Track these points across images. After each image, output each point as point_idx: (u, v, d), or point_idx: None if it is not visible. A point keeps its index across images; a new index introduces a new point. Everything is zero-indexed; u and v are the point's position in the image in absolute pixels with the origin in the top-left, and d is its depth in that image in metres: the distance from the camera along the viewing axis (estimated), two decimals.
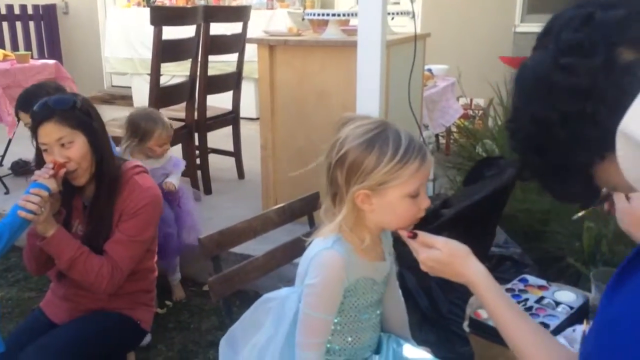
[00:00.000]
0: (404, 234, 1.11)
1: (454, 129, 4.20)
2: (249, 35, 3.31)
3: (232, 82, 3.46)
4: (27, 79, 3.43)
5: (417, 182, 1.10)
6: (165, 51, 2.82)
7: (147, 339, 2.14)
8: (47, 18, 6.21)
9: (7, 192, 3.40)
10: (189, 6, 3.05)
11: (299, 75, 2.74)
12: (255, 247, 1.59)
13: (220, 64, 3.72)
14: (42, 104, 1.61)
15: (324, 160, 1.17)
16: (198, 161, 3.33)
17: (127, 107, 5.24)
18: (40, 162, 1.67)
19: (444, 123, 3.80)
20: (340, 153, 1.12)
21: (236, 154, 3.59)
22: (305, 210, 1.56)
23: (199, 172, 3.31)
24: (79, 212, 1.75)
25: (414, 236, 1.10)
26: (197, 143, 3.31)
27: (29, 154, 3.83)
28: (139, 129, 2.37)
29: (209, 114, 3.35)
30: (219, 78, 3.37)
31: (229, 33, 3.32)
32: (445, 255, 1.05)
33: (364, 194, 1.10)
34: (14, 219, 1.50)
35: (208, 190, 3.34)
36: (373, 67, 2.29)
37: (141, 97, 5.08)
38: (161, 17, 2.75)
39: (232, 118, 3.55)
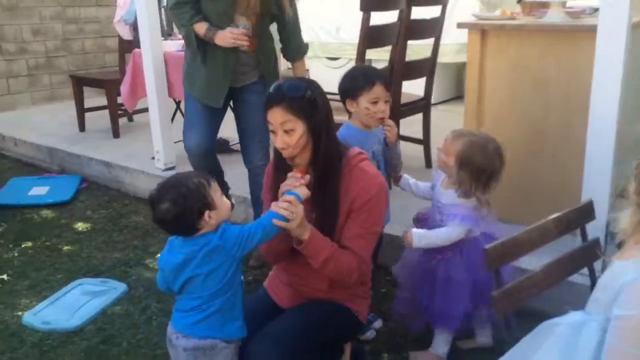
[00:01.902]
0: None
1: None
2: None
3: (426, 68, 3.37)
4: None
5: None
6: (370, 37, 2.80)
7: (372, 333, 2.15)
8: None
9: None
10: None
11: (512, 62, 2.57)
12: (523, 259, 1.47)
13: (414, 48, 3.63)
14: (276, 86, 1.67)
15: (635, 170, 1.02)
16: None
17: None
18: (279, 164, 1.74)
19: None
20: None
21: (425, 142, 3.51)
22: (579, 221, 1.42)
23: None
24: (307, 200, 1.79)
25: None
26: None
27: (227, 133, 4.11)
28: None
29: (402, 100, 3.30)
30: (414, 64, 3.29)
31: (427, 17, 3.21)
32: None
33: None
34: (268, 224, 1.57)
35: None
36: (615, 53, 2.05)
37: (319, 80, 5.17)
38: (370, 2, 2.73)
39: (423, 105, 3.46)
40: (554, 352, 1.06)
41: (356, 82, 2.03)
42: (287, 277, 1.87)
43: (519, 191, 2.67)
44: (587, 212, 1.44)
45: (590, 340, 1.02)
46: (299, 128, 1.64)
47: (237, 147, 3.96)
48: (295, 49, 2.65)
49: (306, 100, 1.64)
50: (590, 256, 1.44)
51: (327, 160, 1.70)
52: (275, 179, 1.76)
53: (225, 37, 2.42)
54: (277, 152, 1.72)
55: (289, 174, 1.67)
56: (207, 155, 2.74)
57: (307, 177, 1.65)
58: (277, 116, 1.64)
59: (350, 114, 2.12)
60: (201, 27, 2.47)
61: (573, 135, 2.46)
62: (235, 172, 3.59)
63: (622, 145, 2.24)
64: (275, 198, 1.69)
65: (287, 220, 1.57)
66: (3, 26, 5.24)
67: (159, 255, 2.94)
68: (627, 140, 2.59)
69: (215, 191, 1.58)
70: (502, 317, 1.21)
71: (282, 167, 1.74)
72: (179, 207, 1.52)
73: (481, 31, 2.58)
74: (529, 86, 2.55)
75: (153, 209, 1.57)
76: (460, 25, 2.68)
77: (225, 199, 1.62)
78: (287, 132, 1.64)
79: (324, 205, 1.72)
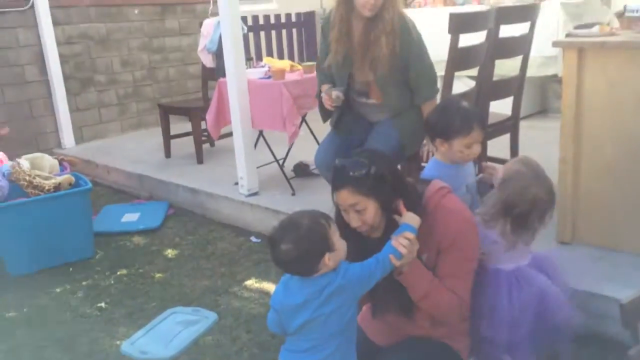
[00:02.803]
0: None
1: None
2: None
3: (514, 86, 3.23)
4: (313, 88, 3.66)
5: None
6: (459, 59, 2.72)
7: None
8: (308, 24, 6.68)
9: (293, 194, 3.68)
10: (484, 10, 2.88)
11: (613, 80, 2.41)
12: None
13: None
14: (340, 168, 1.62)
15: None
16: None
17: None
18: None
19: None
20: None
21: None
22: None
23: None
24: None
25: None
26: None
27: (307, 156, 4.14)
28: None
29: (490, 120, 3.17)
30: (502, 83, 3.17)
31: (516, 34, 3.09)
32: None
33: None
34: (387, 261, 1.55)
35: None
36: None
37: None
38: (459, 24, 2.66)
39: (511, 124, 3.32)
40: None
41: (453, 124, 1.93)
42: (386, 316, 1.82)
43: (622, 215, 2.50)
44: None
45: None
46: (371, 206, 1.59)
47: (317, 171, 4.00)
48: (420, 98, 2.70)
49: (372, 178, 1.58)
50: None
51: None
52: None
53: (323, 98, 2.80)
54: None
55: None
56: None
57: None
58: (345, 199, 1.60)
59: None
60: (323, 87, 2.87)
61: None
62: (317, 196, 3.59)
63: None
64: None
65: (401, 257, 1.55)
66: (95, 59, 5.57)
67: (247, 282, 2.98)
68: None
69: (334, 233, 1.55)
70: None
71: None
72: (300, 249, 1.51)
73: (579, 49, 2.44)
74: (632, 106, 2.38)
75: (273, 248, 1.56)
76: (555, 44, 2.55)
77: (342, 240, 1.58)
78: (359, 212, 1.60)
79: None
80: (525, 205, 1.71)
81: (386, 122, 2.76)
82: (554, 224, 2.67)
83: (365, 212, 1.59)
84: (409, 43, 2.58)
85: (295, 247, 1.51)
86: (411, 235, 1.55)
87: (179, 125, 5.01)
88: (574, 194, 2.61)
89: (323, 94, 2.80)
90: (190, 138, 4.67)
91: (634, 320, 1.11)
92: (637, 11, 2.33)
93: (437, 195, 1.68)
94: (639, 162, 2.41)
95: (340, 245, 1.56)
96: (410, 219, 1.60)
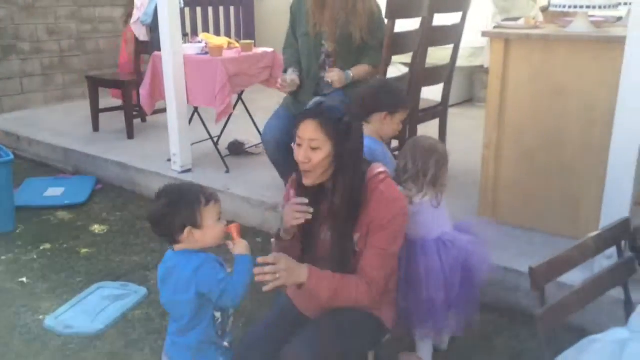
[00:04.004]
0: None
1: None
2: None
3: (445, 74, 3.36)
4: (250, 67, 3.65)
5: None
6: (395, 44, 2.81)
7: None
8: (245, 3, 6.60)
9: (227, 171, 3.66)
10: None
11: (535, 71, 2.57)
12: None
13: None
14: (317, 102, 1.66)
15: None
16: None
17: None
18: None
19: None
20: None
21: None
22: (617, 238, 1.42)
23: None
24: (326, 219, 1.78)
25: None
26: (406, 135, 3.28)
27: (243, 135, 4.13)
28: None
29: (421, 106, 3.30)
30: (434, 70, 3.29)
31: (448, 24, 3.21)
32: None
33: None
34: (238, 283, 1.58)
35: None
36: None
37: None
38: (396, 9, 2.74)
39: (440, 110, 3.46)
40: None
41: (399, 98, 2.11)
42: None
43: (537, 198, 2.68)
44: (624, 229, 1.44)
45: (635, 358, 1.02)
46: (325, 149, 1.61)
47: (252, 150, 4.00)
48: (371, 59, 2.90)
49: (342, 125, 1.61)
50: (626, 272, 1.44)
51: (351, 182, 1.67)
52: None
53: (278, 83, 2.95)
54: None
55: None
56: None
57: (237, 227, 1.64)
58: (308, 130, 1.61)
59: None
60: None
61: (592, 143, 2.47)
62: (252, 175, 3.60)
63: None
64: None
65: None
66: (19, 26, 5.26)
67: None
68: None
69: (209, 212, 1.56)
70: (547, 333, 1.22)
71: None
72: (164, 211, 1.54)
73: (505, 40, 2.58)
74: (551, 96, 2.55)
75: (151, 204, 1.63)
76: (485, 34, 2.68)
77: (220, 225, 1.60)
78: (312, 149, 1.62)
79: (341, 228, 1.71)
80: (433, 167, 1.92)
81: (337, 92, 2.86)
82: (475, 203, 2.84)
83: (318, 152, 1.61)
84: (378, 8, 2.83)
85: (161, 207, 1.54)
86: (270, 258, 1.57)
87: (109, 100, 4.83)
88: (495, 176, 2.77)
89: (280, 81, 2.92)
90: (120, 112, 4.54)
91: (541, 284, 1.22)
92: (560, 6, 2.49)
93: (376, 179, 1.71)
94: (555, 149, 2.60)
95: (212, 227, 1.57)
96: (243, 248, 1.62)
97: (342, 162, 1.64)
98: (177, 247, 1.60)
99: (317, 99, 1.70)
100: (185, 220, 1.53)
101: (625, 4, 2.60)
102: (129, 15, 4.68)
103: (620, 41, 2.14)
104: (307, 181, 1.68)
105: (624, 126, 2.16)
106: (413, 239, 1.92)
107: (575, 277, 1.43)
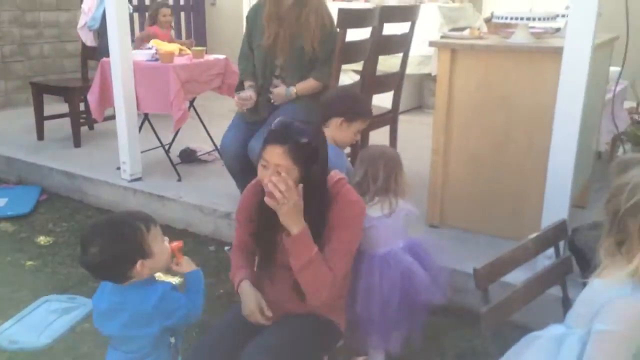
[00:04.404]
0: None
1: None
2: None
3: (395, 81, 3.44)
4: (201, 74, 3.63)
5: None
6: (346, 53, 2.85)
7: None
8: (197, 9, 6.55)
9: (179, 180, 3.62)
10: (370, 7, 3.04)
11: (479, 79, 2.67)
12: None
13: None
14: (282, 124, 1.62)
15: (606, 203, 1.10)
16: None
17: None
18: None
19: (612, 130, 3.55)
20: (631, 201, 1.05)
21: None
22: (555, 239, 1.50)
23: None
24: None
25: None
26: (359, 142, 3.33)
27: (195, 143, 4.08)
28: None
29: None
30: (384, 78, 3.36)
31: (399, 33, 3.29)
32: None
33: None
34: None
35: None
36: (580, 73, 2.17)
37: None
38: (347, 19, 2.78)
39: (391, 117, 3.53)
40: None
41: (360, 108, 2.12)
42: (270, 295, 1.87)
43: (482, 202, 2.78)
44: (561, 230, 1.52)
45: (571, 352, 1.09)
46: (292, 174, 1.59)
47: (205, 157, 3.97)
48: (317, 73, 2.91)
49: (310, 150, 1.59)
50: (563, 271, 1.52)
51: (318, 207, 1.68)
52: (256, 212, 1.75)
53: (235, 101, 2.91)
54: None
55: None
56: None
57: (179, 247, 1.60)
58: (274, 155, 1.57)
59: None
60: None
61: (534, 149, 2.58)
62: (204, 183, 3.57)
63: (578, 159, 2.36)
64: (250, 219, 1.71)
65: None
66: None
67: None
68: (585, 154, 2.73)
69: (154, 237, 1.47)
70: (492, 331, 1.27)
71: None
72: (106, 254, 1.39)
73: (451, 50, 2.67)
74: (495, 103, 2.66)
75: (81, 250, 1.43)
76: (432, 44, 2.77)
77: (166, 244, 1.52)
78: (279, 172, 1.58)
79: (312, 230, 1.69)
80: (382, 171, 1.93)
81: (289, 104, 2.90)
82: (424, 209, 2.91)
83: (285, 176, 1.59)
84: (330, 21, 2.86)
85: (101, 252, 1.39)
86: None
87: (54, 106, 4.69)
88: (443, 182, 2.86)
89: (235, 97, 2.92)
90: (66, 120, 4.41)
91: (485, 284, 1.28)
92: (502, 18, 2.60)
93: (337, 185, 1.74)
94: (499, 154, 2.70)
95: (161, 251, 1.49)
96: (190, 264, 1.60)
97: (309, 183, 1.62)
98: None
99: (279, 119, 1.67)
100: (135, 255, 1.42)
101: (563, 16, 2.74)
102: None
103: (558, 51, 2.26)
104: (271, 202, 1.64)
105: (561, 131, 2.27)
106: (362, 249, 1.93)
107: (518, 277, 1.50)
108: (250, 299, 1.75)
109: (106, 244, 1.40)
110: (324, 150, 1.67)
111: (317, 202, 1.65)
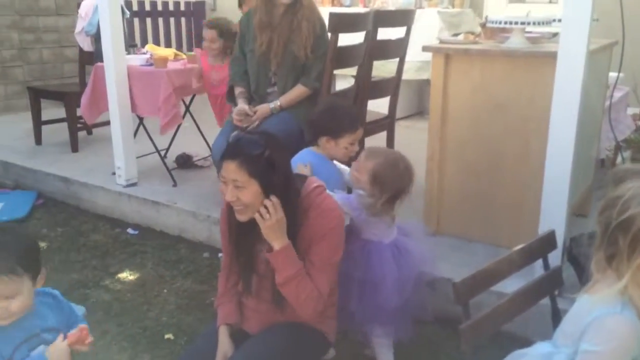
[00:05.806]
0: None
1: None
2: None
3: (391, 87, 3.40)
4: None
5: None
6: (338, 58, 2.82)
7: (332, 353, 2.14)
8: (197, 14, 6.54)
9: (174, 185, 3.59)
10: (362, 12, 3.01)
11: (475, 85, 2.63)
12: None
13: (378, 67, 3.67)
14: (236, 141, 1.61)
15: (599, 216, 1.06)
16: None
17: None
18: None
19: (616, 136, 3.49)
20: (623, 216, 1.01)
21: None
22: (542, 251, 1.45)
23: None
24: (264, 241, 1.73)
25: None
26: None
27: (191, 148, 4.06)
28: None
29: (368, 118, 3.32)
30: (380, 83, 3.32)
31: (393, 37, 3.25)
32: None
33: None
34: None
35: None
36: (575, 79, 2.12)
37: None
38: (338, 23, 2.75)
39: (387, 123, 3.49)
40: None
41: (341, 124, 2.07)
42: (254, 305, 1.84)
43: (479, 210, 2.73)
44: (549, 242, 1.47)
45: None
46: (251, 187, 1.57)
47: (201, 162, 3.95)
48: (307, 80, 2.88)
49: (263, 161, 1.57)
50: (552, 284, 1.47)
51: (289, 202, 1.65)
52: (230, 225, 1.74)
53: (234, 119, 2.88)
54: None
55: None
56: None
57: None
58: (229, 170, 1.58)
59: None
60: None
61: (531, 157, 2.54)
62: (199, 189, 3.54)
63: (577, 167, 2.32)
64: (232, 244, 1.72)
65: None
66: None
67: (120, 275, 2.87)
68: (584, 161, 2.69)
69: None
70: (469, 347, 1.23)
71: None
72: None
73: (445, 55, 2.63)
74: (490, 109, 2.61)
75: None
76: (425, 49, 2.73)
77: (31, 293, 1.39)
78: (237, 188, 1.58)
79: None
80: (404, 178, 1.88)
81: (282, 111, 2.88)
82: (420, 217, 2.87)
83: (244, 190, 1.58)
84: (322, 27, 2.83)
85: None
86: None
87: (53, 110, 4.68)
88: (439, 189, 2.81)
89: (233, 115, 2.90)
90: (64, 125, 4.39)
91: (465, 298, 1.23)
92: (496, 22, 2.56)
93: (313, 194, 1.71)
94: (495, 160, 2.66)
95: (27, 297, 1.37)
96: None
97: (273, 194, 1.60)
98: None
99: (235, 133, 1.68)
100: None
101: (559, 20, 2.69)
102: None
103: (553, 56, 2.22)
104: (242, 217, 1.65)
105: (557, 138, 2.23)
106: (369, 239, 1.93)
107: (508, 287, 1.46)
108: (220, 348, 1.75)
109: None
110: (281, 159, 1.64)
111: (287, 211, 1.62)
